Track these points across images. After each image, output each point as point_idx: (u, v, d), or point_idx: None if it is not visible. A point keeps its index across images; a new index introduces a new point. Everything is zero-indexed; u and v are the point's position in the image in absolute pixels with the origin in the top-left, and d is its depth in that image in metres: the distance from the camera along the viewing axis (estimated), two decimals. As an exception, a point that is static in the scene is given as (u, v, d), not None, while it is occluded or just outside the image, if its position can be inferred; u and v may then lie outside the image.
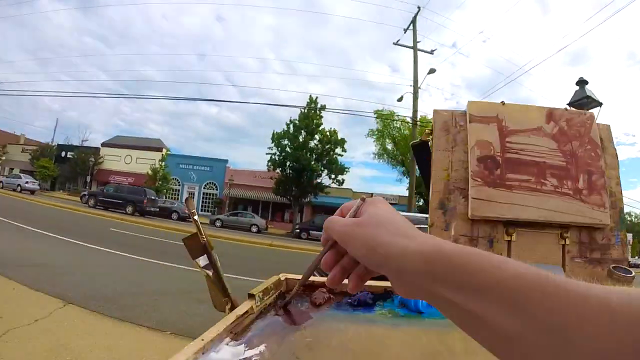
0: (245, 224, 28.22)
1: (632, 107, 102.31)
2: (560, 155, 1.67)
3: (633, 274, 1.47)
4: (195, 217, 1.12)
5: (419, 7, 20.75)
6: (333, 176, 30.44)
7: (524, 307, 0.29)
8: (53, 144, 42.86)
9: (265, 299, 1.05)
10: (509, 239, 1.60)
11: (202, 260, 1.11)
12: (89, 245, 9.60)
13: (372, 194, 38.90)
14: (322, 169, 30.38)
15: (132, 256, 9.09)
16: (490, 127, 1.68)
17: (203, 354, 0.77)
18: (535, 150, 1.66)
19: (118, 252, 9.20)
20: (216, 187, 39.09)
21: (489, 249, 1.56)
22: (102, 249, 9.40)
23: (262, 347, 0.84)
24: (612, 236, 1.66)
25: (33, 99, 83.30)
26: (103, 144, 42.10)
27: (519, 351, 0.29)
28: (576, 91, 8.05)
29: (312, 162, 29.64)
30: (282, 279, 1.17)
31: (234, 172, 37.53)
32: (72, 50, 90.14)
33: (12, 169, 39.62)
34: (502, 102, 1.75)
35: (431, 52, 21.43)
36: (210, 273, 1.12)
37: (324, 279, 1.13)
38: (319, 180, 30.89)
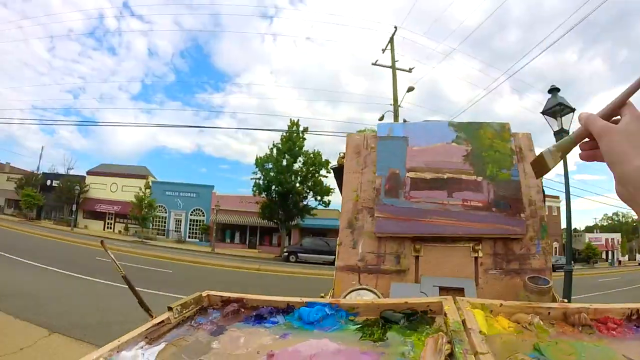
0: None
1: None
2: (470, 168, 1.67)
3: (550, 283, 1.38)
4: (111, 255, 1.39)
5: (395, 27, 20.59)
6: (319, 198, 30.43)
7: None
8: (38, 173, 42.45)
9: (184, 311, 1.23)
10: (417, 254, 1.62)
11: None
12: (75, 275, 9.66)
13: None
14: (307, 191, 30.39)
15: (118, 285, 9.10)
16: (399, 147, 1.73)
17: (118, 352, 0.94)
18: (443, 166, 1.66)
19: (103, 281, 9.24)
20: (203, 213, 38.83)
21: (396, 265, 1.63)
22: (87, 278, 9.43)
23: (172, 350, 1.00)
24: (532, 245, 1.63)
25: (21, 127, 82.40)
26: (89, 172, 41.81)
27: None
28: (549, 99, 7.91)
29: (297, 185, 29.68)
30: (204, 295, 1.33)
31: (220, 198, 37.18)
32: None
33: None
34: (403, 120, 1.93)
35: (409, 71, 21.15)
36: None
37: (237, 295, 1.31)
38: (305, 203, 30.87)
